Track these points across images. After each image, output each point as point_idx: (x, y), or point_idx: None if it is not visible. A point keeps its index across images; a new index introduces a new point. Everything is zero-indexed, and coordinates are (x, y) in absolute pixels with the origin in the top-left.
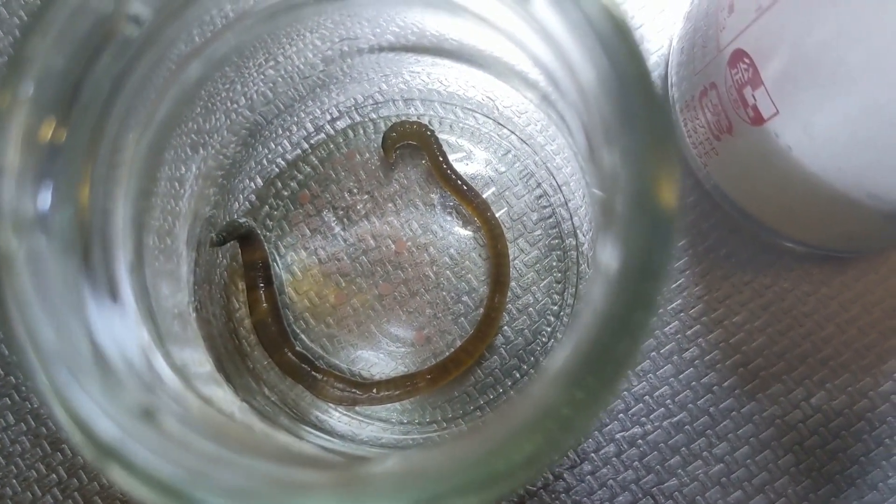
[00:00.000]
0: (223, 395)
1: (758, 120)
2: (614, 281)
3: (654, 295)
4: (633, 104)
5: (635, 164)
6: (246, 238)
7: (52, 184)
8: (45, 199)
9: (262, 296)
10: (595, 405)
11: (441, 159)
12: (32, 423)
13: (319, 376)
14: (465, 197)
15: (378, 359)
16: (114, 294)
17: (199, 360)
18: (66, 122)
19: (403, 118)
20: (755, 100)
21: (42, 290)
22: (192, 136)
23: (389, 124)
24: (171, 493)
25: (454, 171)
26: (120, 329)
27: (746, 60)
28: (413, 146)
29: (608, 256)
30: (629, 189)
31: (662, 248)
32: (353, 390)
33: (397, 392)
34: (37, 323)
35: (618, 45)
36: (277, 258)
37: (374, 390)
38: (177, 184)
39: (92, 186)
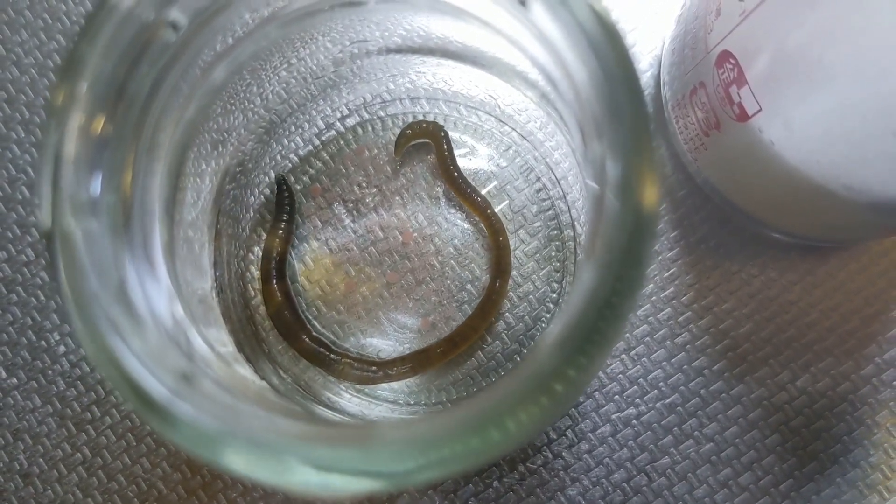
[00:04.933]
0: (245, 373)
1: (743, 117)
2: (600, 265)
3: (636, 279)
4: (620, 101)
5: (620, 154)
6: (283, 218)
7: (101, 172)
8: (96, 186)
9: (276, 289)
10: (580, 382)
11: (448, 158)
12: (58, 405)
13: (338, 359)
14: (466, 196)
15: (386, 344)
16: (153, 272)
17: (222, 340)
18: (112, 118)
19: (410, 116)
20: (740, 98)
21: (95, 267)
22: (213, 134)
23: (397, 122)
24: (213, 445)
25: (458, 171)
26: (159, 303)
27: (732, 61)
28: (420, 144)
29: (597, 242)
30: (615, 176)
31: (645, 231)
32: (371, 368)
33: (411, 366)
34: (93, 295)
35: (607, 48)
36: (290, 248)
37: (390, 368)
38: (198, 179)
39: (133, 177)
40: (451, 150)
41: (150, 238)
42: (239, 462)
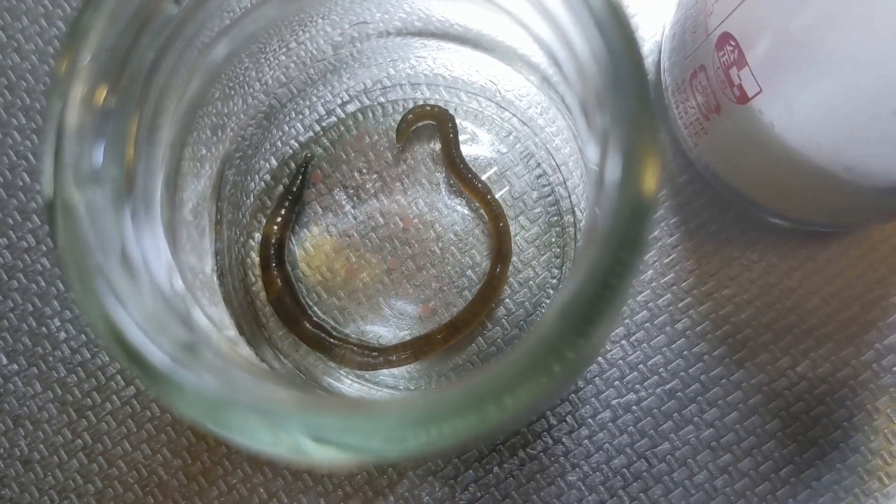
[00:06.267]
0: (246, 354)
1: (743, 99)
2: (600, 245)
3: (635, 260)
4: (623, 75)
5: (623, 126)
6: (284, 204)
7: (103, 144)
8: (98, 157)
9: (276, 275)
10: (579, 363)
11: (453, 143)
12: (59, 391)
13: (338, 344)
14: (467, 182)
15: (386, 330)
16: (154, 245)
17: (224, 323)
18: (115, 89)
19: (410, 102)
20: (740, 80)
21: (98, 236)
22: (213, 118)
23: (397, 108)
24: (214, 412)
25: (461, 157)
26: (160, 275)
27: (732, 43)
28: (421, 129)
29: (597, 222)
30: (618, 149)
31: (646, 209)
32: (372, 354)
33: (412, 352)
34: (94, 263)
35: (610, 23)
36: (291, 235)
37: (391, 354)
38: (198, 164)
39: (136, 154)
40: (456, 134)
41: (151, 214)
42: (239, 430)
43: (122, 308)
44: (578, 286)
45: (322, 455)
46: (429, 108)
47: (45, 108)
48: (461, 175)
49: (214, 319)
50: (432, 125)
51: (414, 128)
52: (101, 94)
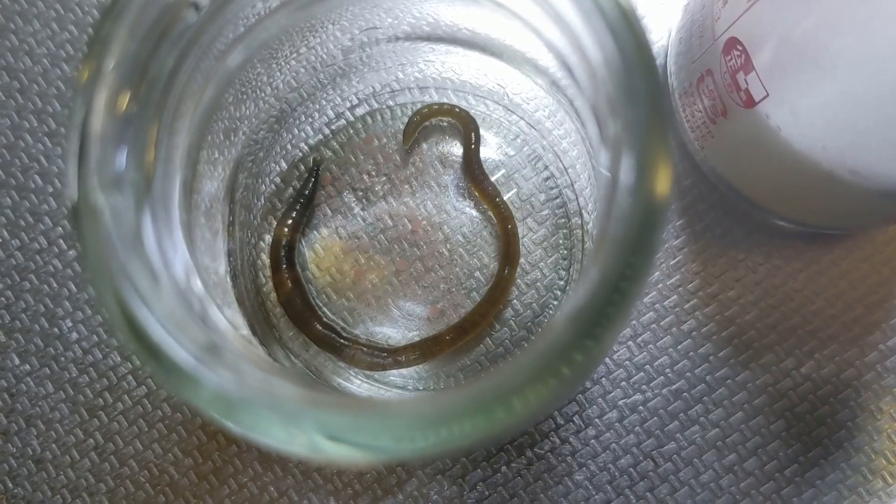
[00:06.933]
0: (260, 355)
1: (750, 103)
2: (610, 250)
3: (645, 264)
4: (635, 81)
5: (635, 133)
6: (296, 207)
7: (125, 149)
8: (121, 162)
9: (286, 277)
10: (588, 365)
11: (474, 146)
12: (71, 391)
13: (349, 345)
14: (478, 183)
15: (395, 331)
16: (173, 248)
17: (237, 323)
18: (136, 96)
19: (419, 105)
20: (747, 84)
21: (122, 240)
22: (226, 122)
23: (406, 111)
24: (234, 410)
25: (479, 161)
26: (180, 276)
27: (739, 48)
28: (430, 132)
29: (608, 227)
30: (628, 157)
31: (656, 216)
32: (381, 355)
33: (421, 353)
34: (119, 267)
35: (624, 29)
36: (301, 237)
37: (400, 355)
38: (212, 167)
39: (155, 157)
40: (478, 137)
41: (170, 217)
42: (256, 428)
43: (146, 308)
44: (589, 290)
45: (336, 452)
46: (436, 106)
47: (56, 112)
48: (474, 177)
49: (229, 319)
50: (440, 127)
51: (420, 129)
52: (124, 100)
